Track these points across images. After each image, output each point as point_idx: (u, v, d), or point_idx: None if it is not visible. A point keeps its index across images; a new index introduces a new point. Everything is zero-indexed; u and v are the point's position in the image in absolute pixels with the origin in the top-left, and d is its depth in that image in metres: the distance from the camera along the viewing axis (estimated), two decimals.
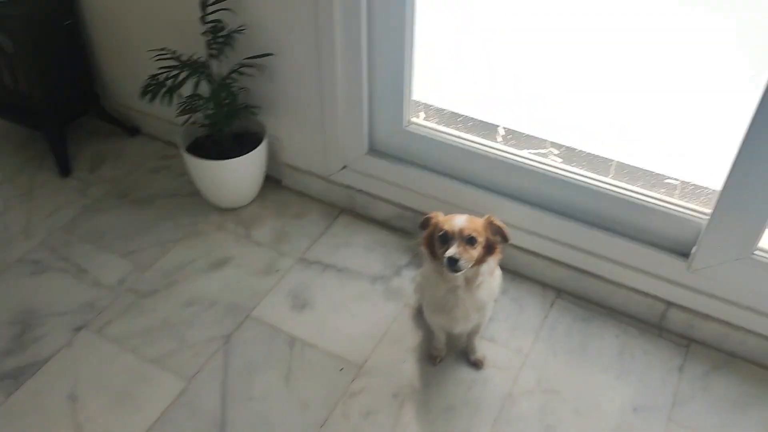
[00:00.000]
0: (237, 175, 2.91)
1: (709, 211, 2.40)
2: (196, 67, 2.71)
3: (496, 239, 2.17)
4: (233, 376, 2.39)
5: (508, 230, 2.16)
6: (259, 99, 2.88)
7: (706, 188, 2.47)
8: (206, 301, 2.68)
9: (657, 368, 2.54)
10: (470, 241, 2.04)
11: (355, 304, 2.66)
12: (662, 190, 2.51)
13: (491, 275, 2.25)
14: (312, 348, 2.51)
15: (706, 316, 2.55)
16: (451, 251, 1.99)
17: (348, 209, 3.05)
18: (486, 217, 2.17)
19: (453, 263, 1.97)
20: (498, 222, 2.16)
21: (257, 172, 2.99)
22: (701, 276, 2.45)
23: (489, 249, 2.16)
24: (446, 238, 2.04)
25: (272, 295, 2.70)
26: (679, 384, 2.49)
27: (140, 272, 2.83)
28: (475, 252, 2.03)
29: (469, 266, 2.00)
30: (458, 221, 2.10)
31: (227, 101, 2.71)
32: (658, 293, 2.60)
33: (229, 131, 2.81)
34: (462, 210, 2.25)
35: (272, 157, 3.04)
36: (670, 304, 2.60)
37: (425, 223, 2.22)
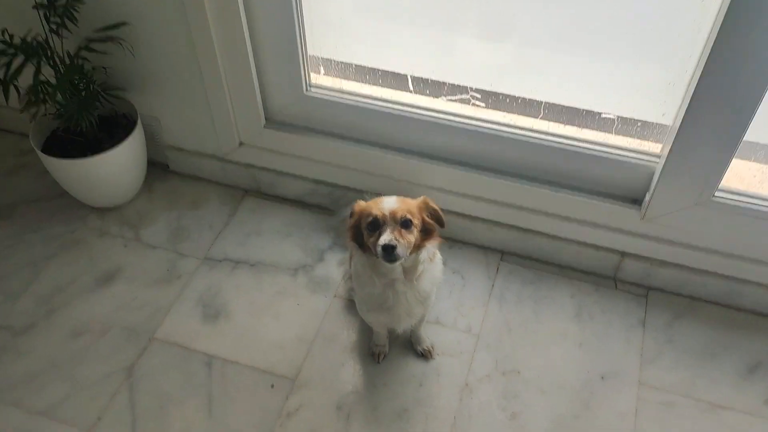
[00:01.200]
0: (111, 171, 2.48)
1: (660, 152, 2.14)
2: (32, 50, 2.14)
3: (432, 223, 1.86)
4: (144, 416, 2.09)
5: (443, 214, 1.86)
6: (123, 78, 2.48)
7: (651, 123, 2.19)
8: (97, 327, 2.31)
9: (618, 326, 2.34)
10: (405, 224, 1.75)
11: (277, 304, 2.38)
12: (601, 130, 2.22)
13: (432, 261, 1.92)
14: (234, 365, 2.21)
15: (663, 263, 2.36)
16: (385, 238, 1.71)
17: (253, 190, 2.72)
18: (421, 198, 1.86)
19: (389, 252, 1.70)
20: (433, 204, 1.86)
21: (136, 161, 2.59)
22: (656, 224, 2.23)
23: (426, 233, 1.86)
24: (376, 225, 1.76)
25: (177, 307, 2.36)
26: (644, 340, 2.29)
27: (10, 303, 2.38)
28: (412, 236, 1.77)
29: (408, 253, 1.76)
30: (388, 203, 1.78)
31: (82, 85, 2.18)
32: (610, 245, 2.38)
33: (93, 117, 2.38)
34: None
35: (153, 140, 2.73)
36: (624, 254, 2.39)
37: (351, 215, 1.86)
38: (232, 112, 2.49)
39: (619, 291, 2.43)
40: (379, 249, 1.71)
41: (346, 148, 2.45)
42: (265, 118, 2.48)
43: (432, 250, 1.91)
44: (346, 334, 2.29)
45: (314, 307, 2.35)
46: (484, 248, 2.53)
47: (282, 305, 2.36)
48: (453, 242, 2.56)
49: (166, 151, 2.72)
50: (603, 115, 2.30)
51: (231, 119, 2.49)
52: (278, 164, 2.61)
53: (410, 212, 1.79)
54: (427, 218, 1.85)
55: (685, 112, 1.93)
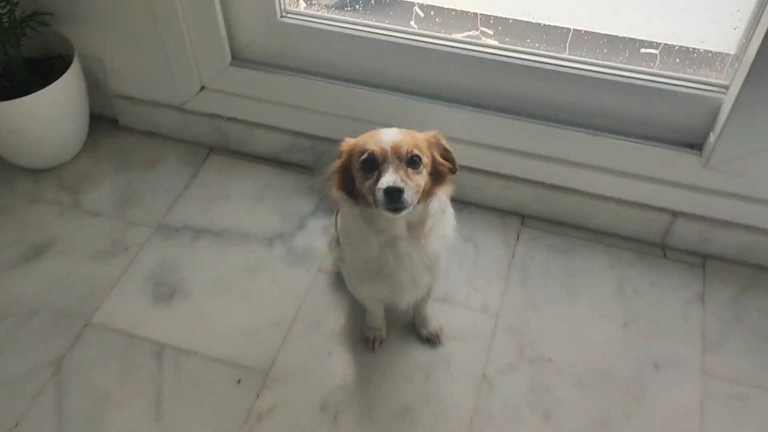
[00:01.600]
0: (42, 119, 2.12)
1: (730, 82, 1.71)
2: None
3: (445, 165, 1.48)
4: (73, 420, 1.72)
5: (456, 155, 1.49)
6: (56, 4, 2.08)
7: (708, 53, 1.76)
8: (21, 311, 1.94)
9: (672, 303, 1.92)
10: (412, 161, 1.39)
11: (247, 281, 2.00)
12: (641, 62, 1.80)
13: (444, 215, 1.51)
14: (191, 356, 1.84)
15: (726, 224, 1.94)
16: (389, 179, 1.33)
17: (219, 147, 2.37)
18: (432, 132, 1.49)
19: (394, 197, 1.32)
20: (446, 142, 1.48)
21: (74, 110, 2.22)
22: (721, 173, 1.81)
23: (436, 177, 1.47)
24: (374, 164, 1.39)
25: (122, 286, 1.99)
26: (704, 320, 1.86)
27: None
28: (422, 178, 1.41)
29: (416, 202, 1.38)
30: (389, 135, 1.40)
31: (3, 10, 1.75)
32: (660, 202, 1.96)
33: (19, 56, 2.04)
34: (376, 127, 1.47)
35: (97, 88, 2.33)
36: (676, 214, 1.97)
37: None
38: (191, 48, 2.08)
39: (668, 260, 2.01)
40: (379, 194, 1.33)
41: (330, 88, 2.04)
42: (231, 55, 2.11)
43: (444, 199, 1.49)
44: (333, 316, 1.92)
45: (293, 284, 1.99)
46: (502, 211, 2.16)
47: (253, 282, 1.99)
48: (463, 204, 2.11)
49: (113, 101, 2.33)
50: (642, 50, 1.86)
51: (189, 57, 2.10)
52: (249, 112, 2.21)
53: (418, 147, 1.40)
54: (439, 158, 1.46)
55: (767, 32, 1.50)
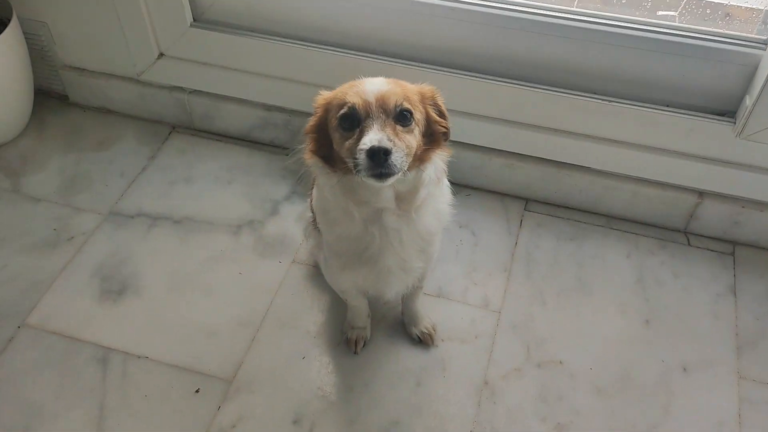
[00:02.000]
0: None
1: (767, 37, 1.48)
2: None
3: (440, 124, 1.24)
4: None
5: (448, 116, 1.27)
6: None
7: (738, 7, 1.53)
8: None
9: (700, 297, 1.70)
10: (402, 117, 1.16)
11: (211, 274, 1.76)
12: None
13: (439, 184, 1.27)
14: (141, 362, 1.60)
15: (761, 205, 1.72)
16: (373, 137, 1.11)
17: (182, 124, 2.15)
18: (429, 86, 1.25)
19: (380, 159, 1.09)
20: (441, 99, 1.25)
21: (14, 81, 2.00)
22: (757, 143, 1.59)
23: (430, 138, 1.23)
24: (355, 119, 1.16)
25: (64, 281, 1.75)
26: (738, 315, 1.63)
27: None
28: (413, 138, 1.18)
29: (406, 167, 1.15)
30: (373, 85, 1.18)
31: None
32: (684, 181, 1.74)
33: None
34: None
35: (42, 59, 2.08)
36: (703, 194, 1.75)
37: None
38: (146, 9, 1.87)
39: (693, 248, 1.78)
40: (362, 157, 1.11)
41: (307, 53, 1.81)
42: (192, 16, 1.90)
43: (440, 165, 1.25)
44: (309, 314, 1.68)
45: (264, 277, 1.75)
46: (502, 194, 1.95)
47: (217, 275, 1.76)
48: (458, 187, 1.85)
49: (61, 73, 2.10)
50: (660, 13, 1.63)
51: (144, 19, 1.88)
52: (214, 83, 1.97)
53: (409, 100, 1.16)
54: (434, 115, 1.23)
55: None
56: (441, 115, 1.25)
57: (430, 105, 1.23)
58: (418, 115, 1.17)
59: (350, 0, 1.71)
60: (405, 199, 1.22)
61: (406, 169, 1.13)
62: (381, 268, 1.30)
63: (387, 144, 1.08)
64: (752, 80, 1.53)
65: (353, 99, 1.13)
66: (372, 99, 1.12)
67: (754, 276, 1.71)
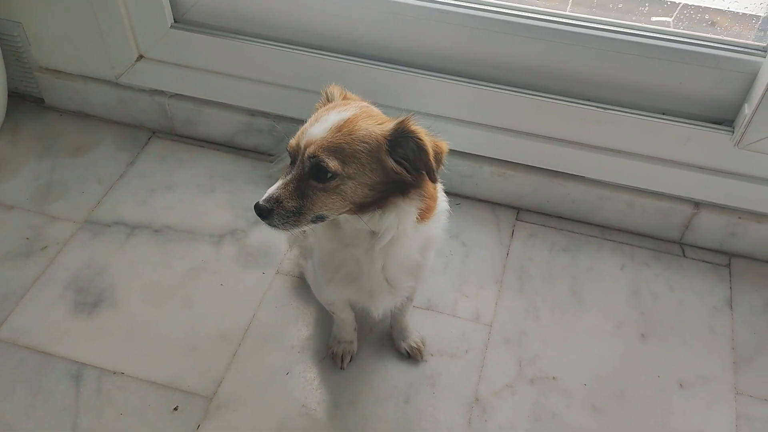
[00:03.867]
0: None
1: (766, 44, 1.45)
2: None
3: (402, 174, 1.08)
4: None
5: (434, 152, 1.07)
6: None
7: (735, 14, 1.50)
8: None
9: (696, 310, 1.65)
10: (316, 172, 1.08)
11: (190, 286, 1.69)
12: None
13: (417, 227, 1.17)
14: (116, 378, 1.52)
15: (758, 216, 1.67)
16: (269, 190, 1.11)
17: (163, 130, 2.07)
18: (394, 123, 1.09)
19: (262, 215, 1.11)
20: (416, 130, 1.07)
21: None
22: (756, 152, 1.55)
23: (399, 186, 1.10)
24: (293, 161, 1.12)
25: (36, 293, 1.67)
26: (734, 329, 1.59)
27: None
28: (330, 198, 1.09)
29: (301, 226, 1.11)
30: (321, 125, 1.09)
31: None
32: (680, 191, 1.69)
33: None
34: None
35: (17, 60, 2.00)
36: (699, 204, 1.70)
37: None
38: (125, 9, 1.80)
39: (689, 260, 1.73)
40: None
41: (293, 56, 1.75)
42: (173, 16, 1.83)
43: (409, 213, 1.13)
44: (294, 328, 1.61)
45: (246, 289, 1.68)
46: (493, 203, 1.89)
47: (197, 287, 1.68)
48: (448, 196, 1.78)
49: (37, 75, 2.03)
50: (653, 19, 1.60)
51: (123, 19, 1.82)
52: (196, 87, 1.90)
53: (340, 151, 1.06)
54: (391, 164, 1.07)
55: None
56: (419, 147, 1.06)
57: (392, 148, 1.07)
58: (351, 170, 1.05)
59: (337, 3, 1.65)
60: (375, 241, 1.15)
61: (301, 226, 1.09)
62: (367, 287, 1.24)
63: (267, 204, 1.07)
64: (751, 88, 1.49)
65: (292, 139, 1.10)
66: (303, 144, 1.07)
67: (750, 289, 1.66)
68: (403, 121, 1.06)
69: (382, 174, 1.07)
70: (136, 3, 1.74)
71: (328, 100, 1.19)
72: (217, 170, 1.91)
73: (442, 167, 1.11)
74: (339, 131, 1.06)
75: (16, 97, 2.04)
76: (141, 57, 1.85)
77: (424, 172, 1.08)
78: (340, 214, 1.10)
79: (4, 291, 1.63)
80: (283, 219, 1.07)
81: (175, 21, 1.78)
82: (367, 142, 1.06)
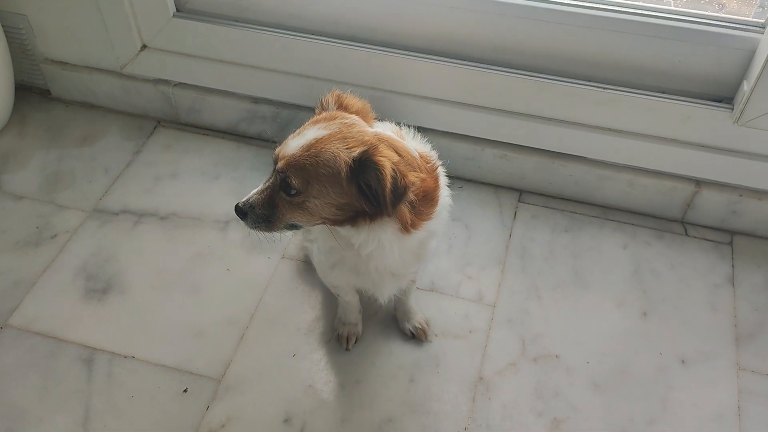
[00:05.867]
0: None
1: (764, 20, 1.45)
2: None
3: (359, 203, 1.12)
4: None
5: (394, 186, 1.05)
6: None
7: None
8: None
9: (697, 287, 1.66)
10: (286, 187, 1.13)
11: (198, 271, 1.71)
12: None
13: (407, 232, 1.17)
14: (127, 362, 1.55)
15: (759, 193, 1.68)
16: (250, 193, 1.19)
17: (168, 119, 2.09)
18: (362, 149, 1.08)
19: (237, 212, 1.19)
20: (382, 161, 1.05)
21: None
22: (756, 129, 1.55)
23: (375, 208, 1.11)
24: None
25: (47, 280, 1.70)
26: (736, 306, 1.60)
27: None
28: (296, 211, 1.15)
29: (274, 231, 1.20)
30: (295, 140, 1.13)
31: None
32: (681, 169, 1.69)
33: None
34: (348, 88, 1.20)
35: (23, 52, 2.01)
36: (700, 182, 1.71)
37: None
38: (128, 0, 1.78)
39: (691, 238, 1.74)
40: None
41: (294, 43, 1.75)
42: (176, 6, 1.83)
43: (384, 229, 1.15)
44: (300, 311, 1.63)
45: (252, 274, 1.70)
46: (495, 186, 1.90)
47: (204, 273, 1.70)
48: (450, 179, 1.79)
49: (42, 67, 2.04)
50: None
51: (126, 9, 1.83)
52: (200, 76, 1.91)
53: (303, 171, 1.09)
54: (350, 190, 1.09)
55: None
56: (378, 176, 1.04)
57: (359, 173, 1.07)
58: (315, 190, 1.08)
59: None
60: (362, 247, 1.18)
61: (283, 229, 1.16)
62: (370, 278, 1.27)
63: (243, 207, 1.16)
64: (750, 65, 1.49)
65: (277, 149, 1.14)
66: (283, 156, 1.10)
67: (752, 266, 1.67)
68: (368, 149, 1.07)
69: (347, 197, 1.09)
70: None
71: (323, 108, 1.20)
72: (221, 158, 1.93)
73: (409, 198, 1.10)
74: (307, 151, 1.08)
75: (22, 89, 2.06)
76: (144, 47, 1.86)
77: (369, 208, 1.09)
78: (313, 225, 1.15)
79: (16, 279, 1.66)
80: (256, 223, 1.15)
81: (177, 10, 1.79)
82: (330, 167, 1.07)
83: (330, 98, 1.20)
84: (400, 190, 1.06)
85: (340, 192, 1.09)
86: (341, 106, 1.20)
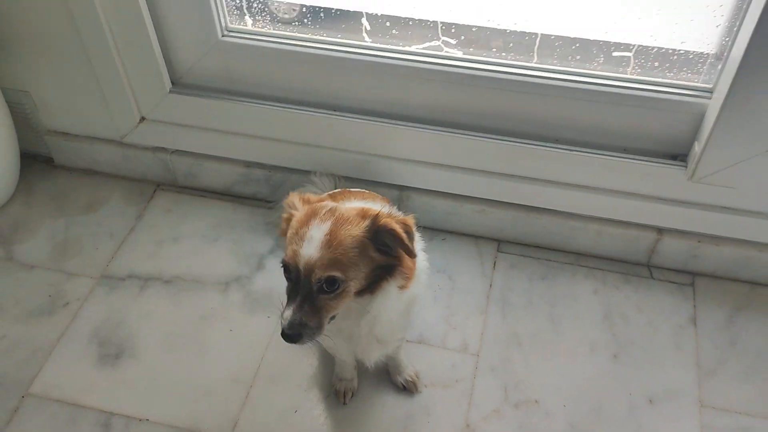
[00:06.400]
0: None
1: (714, 86, 1.58)
2: None
3: (385, 260, 1.25)
4: None
5: (406, 234, 1.21)
6: None
7: (689, 53, 1.62)
8: None
9: (662, 329, 1.79)
10: (329, 285, 1.20)
11: (203, 333, 1.81)
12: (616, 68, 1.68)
13: (402, 291, 1.32)
14: (142, 425, 1.65)
15: (715, 239, 1.81)
16: (286, 316, 1.21)
17: (166, 183, 2.19)
18: (370, 217, 1.22)
19: (288, 339, 1.22)
20: (391, 222, 1.21)
21: (2, 149, 2.00)
22: (708, 184, 1.68)
23: (385, 269, 1.26)
24: (290, 274, 1.23)
25: (63, 348, 1.79)
26: (698, 345, 1.73)
27: None
28: (339, 302, 1.23)
29: (323, 331, 1.25)
30: (309, 245, 1.19)
31: None
32: (644, 219, 1.82)
33: None
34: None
35: (27, 125, 2.10)
36: (662, 231, 1.84)
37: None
38: (125, 76, 1.89)
39: (656, 281, 1.87)
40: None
41: (281, 113, 1.86)
42: (171, 81, 1.93)
43: (393, 289, 1.29)
44: (299, 367, 1.75)
45: (254, 333, 1.80)
46: (476, 237, 2.00)
47: (209, 334, 1.80)
48: (434, 232, 1.95)
49: (46, 138, 2.11)
50: (614, 53, 1.71)
51: (125, 85, 1.91)
52: (195, 143, 2.01)
53: (339, 262, 1.19)
54: (376, 256, 1.23)
55: (755, 29, 1.36)
56: (393, 235, 1.19)
57: (375, 241, 1.21)
58: (352, 275, 1.19)
59: (318, 62, 1.75)
60: (360, 315, 1.31)
61: (324, 325, 1.21)
62: (360, 346, 1.39)
63: (295, 329, 1.18)
64: (700, 127, 1.63)
65: (289, 256, 1.20)
66: (301, 265, 1.18)
67: (712, 305, 1.80)
68: (374, 219, 1.20)
69: (371, 263, 1.22)
70: (135, 69, 1.84)
71: (291, 208, 1.28)
72: (219, 219, 2.03)
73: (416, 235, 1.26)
74: (330, 246, 1.18)
75: (27, 158, 2.15)
76: (143, 119, 1.96)
77: (401, 251, 1.22)
78: (328, 319, 1.23)
79: (33, 347, 1.75)
80: (311, 336, 1.20)
81: (173, 85, 1.88)
82: (356, 247, 1.19)
83: (293, 199, 1.29)
84: (410, 233, 1.22)
85: (367, 263, 1.21)
86: (306, 203, 1.29)
